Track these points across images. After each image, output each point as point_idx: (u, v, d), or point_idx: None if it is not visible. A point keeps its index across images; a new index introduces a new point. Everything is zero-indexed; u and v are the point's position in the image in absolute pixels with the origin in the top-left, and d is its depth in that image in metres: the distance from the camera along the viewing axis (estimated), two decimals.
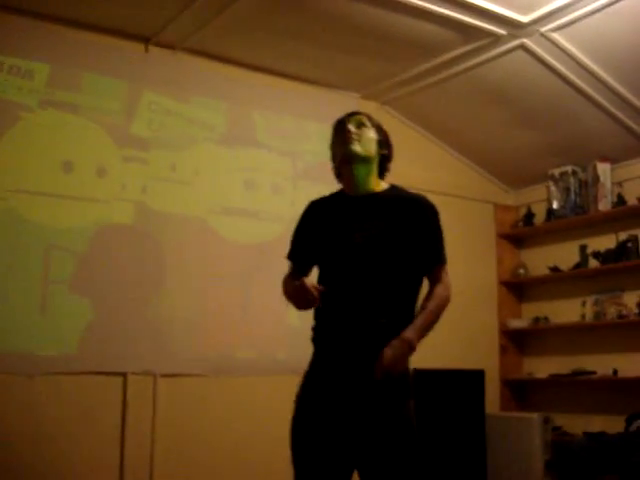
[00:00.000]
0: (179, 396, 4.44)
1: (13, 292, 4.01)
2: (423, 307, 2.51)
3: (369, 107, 5.44)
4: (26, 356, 4.03)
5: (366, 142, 2.60)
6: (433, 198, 5.76)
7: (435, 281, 2.57)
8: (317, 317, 2.59)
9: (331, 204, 2.69)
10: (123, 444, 4.25)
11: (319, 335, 2.58)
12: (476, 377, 5.53)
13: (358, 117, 2.65)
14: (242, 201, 4.81)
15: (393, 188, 2.66)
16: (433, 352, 5.49)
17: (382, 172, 2.69)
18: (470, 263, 5.95)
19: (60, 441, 4.07)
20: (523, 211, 6.15)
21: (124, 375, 4.30)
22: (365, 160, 2.59)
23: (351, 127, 2.61)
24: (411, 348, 2.42)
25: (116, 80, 4.46)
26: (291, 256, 2.73)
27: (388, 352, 2.37)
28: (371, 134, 2.62)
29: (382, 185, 2.65)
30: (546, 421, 5.30)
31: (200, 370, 4.52)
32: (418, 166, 5.72)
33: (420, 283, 2.59)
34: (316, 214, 2.71)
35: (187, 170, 4.64)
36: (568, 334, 5.73)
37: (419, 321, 2.47)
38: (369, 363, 2.39)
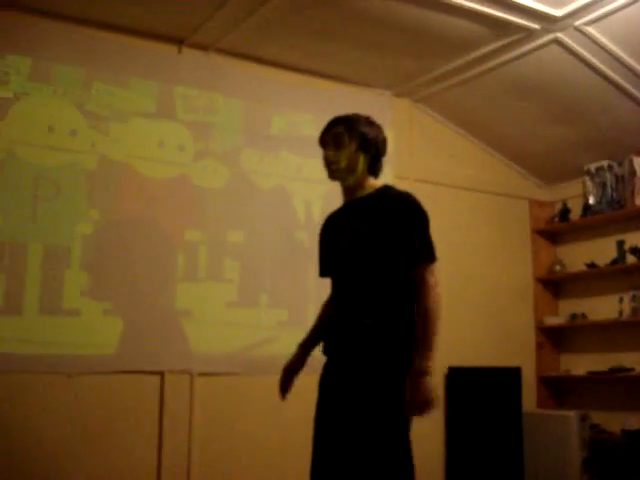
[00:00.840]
0: (216, 394, 4.48)
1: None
2: (417, 318, 2.47)
3: (402, 105, 5.45)
4: (64, 356, 4.10)
5: (345, 161, 2.62)
6: (467, 195, 5.88)
7: (419, 283, 2.49)
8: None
9: (335, 214, 2.79)
10: (161, 442, 4.29)
11: (323, 335, 2.72)
12: (512, 375, 5.50)
13: (334, 130, 2.66)
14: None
15: (384, 188, 2.66)
16: (469, 350, 5.51)
17: (375, 171, 2.68)
18: (506, 260, 5.92)
19: (98, 440, 4.13)
20: (559, 207, 6.10)
21: (161, 374, 4.35)
22: (349, 175, 2.64)
23: (328, 152, 2.65)
24: (428, 373, 2.41)
25: (148, 81, 4.53)
26: (320, 273, 2.82)
27: (413, 394, 2.38)
28: (349, 149, 2.62)
29: (375, 186, 2.66)
30: (583, 419, 5.25)
31: (236, 368, 4.55)
32: (451, 163, 5.71)
33: (408, 283, 2.52)
34: (325, 226, 2.83)
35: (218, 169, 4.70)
36: (605, 331, 5.67)
37: (422, 343, 2.43)
38: (355, 363, 2.47)
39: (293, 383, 2.81)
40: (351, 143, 2.62)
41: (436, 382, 2.44)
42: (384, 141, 2.71)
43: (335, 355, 2.59)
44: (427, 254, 2.51)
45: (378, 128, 2.70)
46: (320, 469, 2.53)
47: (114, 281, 4.29)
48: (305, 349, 2.83)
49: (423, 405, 2.38)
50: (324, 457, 2.53)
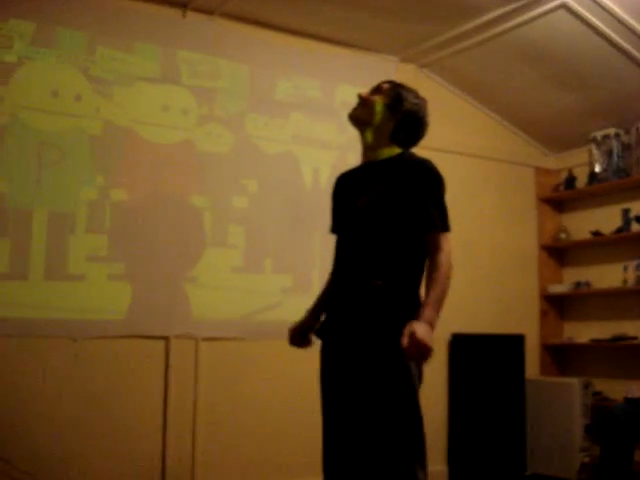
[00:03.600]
0: (221, 359, 4.52)
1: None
2: (430, 280, 2.44)
3: (408, 70, 5.41)
4: (70, 320, 4.12)
5: (369, 107, 2.61)
6: (472, 162, 5.86)
7: (434, 250, 2.47)
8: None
9: (350, 174, 2.76)
10: (166, 406, 4.34)
11: (328, 297, 2.70)
12: (516, 342, 5.52)
13: (381, 84, 2.68)
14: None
15: (403, 154, 2.64)
16: (473, 317, 5.53)
17: (398, 139, 2.65)
18: (510, 228, 5.91)
19: (103, 403, 4.17)
20: (564, 175, 6.07)
21: (166, 339, 4.38)
22: (366, 124, 2.63)
23: (364, 93, 2.65)
24: (431, 325, 2.35)
25: (152, 46, 4.51)
26: (331, 229, 2.82)
27: (414, 328, 2.28)
28: (379, 99, 2.62)
29: (394, 151, 2.64)
30: (586, 386, 5.28)
31: (241, 334, 4.58)
32: (458, 130, 5.68)
33: (420, 250, 2.51)
34: (339, 185, 2.81)
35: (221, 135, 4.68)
36: (609, 299, 5.67)
37: (431, 299, 2.39)
38: (365, 324, 2.46)
39: (305, 340, 2.78)
40: (386, 96, 2.62)
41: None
42: (420, 118, 2.67)
43: (341, 315, 2.56)
44: (444, 222, 2.52)
45: (421, 103, 2.68)
46: (334, 439, 2.53)
47: (121, 246, 4.30)
48: (315, 310, 2.79)
49: (423, 349, 2.27)
50: (337, 427, 2.52)
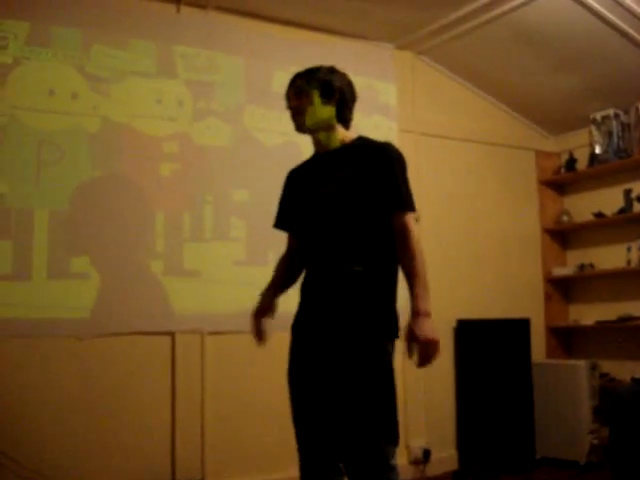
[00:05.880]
0: (226, 352, 4.53)
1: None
2: (409, 270, 2.43)
3: (404, 57, 5.40)
4: (75, 319, 4.13)
5: (308, 110, 2.59)
6: (472, 147, 5.85)
7: (401, 230, 2.46)
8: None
9: (304, 167, 2.77)
10: (174, 401, 4.35)
11: (302, 288, 2.67)
12: (521, 326, 5.52)
13: (297, 82, 2.64)
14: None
15: (359, 139, 2.63)
16: (478, 302, 5.53)
17: (344, 120, 2.64)
18: (512, 211, 5.91)
19: (111, 401, 4.18)
20: (565, 157, 6.06)
21: (172, 334, 4.39)
22: (315, 126, 2.61)
23: (291, 102, 2.63)
24: (429, 316, 2.38)
25: (147, 42, 4.49)
26: (275, 224, 2.86)
27: (419, 333, 2.33)
28: (310, 97, 2.59)
29: (348, 136, 2.63)
30: (593, 368, 5.28)
31: (246, 327, 4.56)
32: (457, 116, 5.67)
33: (391, 231, 2.50)
34: (292, 179, 2.81)
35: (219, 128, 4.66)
36: (614, 280, 5.67)
37: (418, 289, 2.39)
38: (348, 310, 2.45)
39: (264, 328, 2.82)
40: (312, 92, 2.59)
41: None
42: (349, 85, 2.66)
43: (320, 303, 2.53)
44: (410, 202, 2.51)
45: (341, 75, 2.66)
46: (308, 422, 2.55)
47: (111, 246, 4.31)
48: (270, 294, 2.84)
49: (434, 346, 2.34)
50: (312, 410, 2.53)
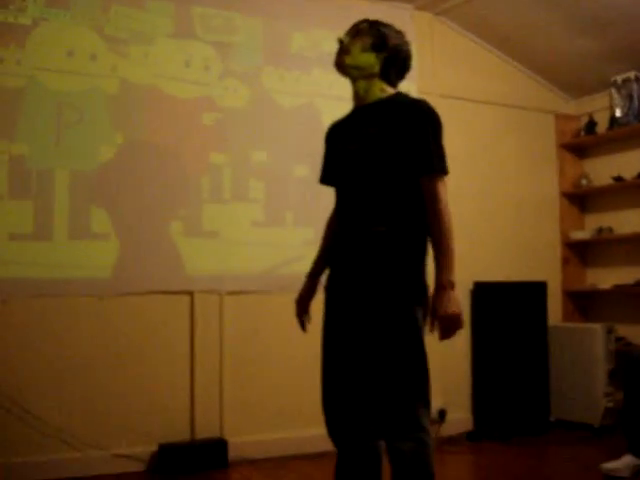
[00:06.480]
0: (244, 312, 4.59)
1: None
2: (435, 239, 2.39)
3: (423, 18, 5.35)
4: (95, 279, 4.19)
5: (353, 51, 2.55)
6: (492, 110, 5.81)
7: (430, 195, 2.39)
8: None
9: (343, 121, 2.70)
10: (193, 360, 4.42)
11: (331, 249, 2.65)
12: (538, 289, 5.53)
13: (359, 25, 2.60)
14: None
15: (397, 95, 2.57)
16: (495, 265, 5.54)
17: (389, 79, 2.59)
18: (531, 175, 5.89)
19: (131, 360, 4.26)
20: (585, 120, 6.00)
21: (191, 294, 4.44)
22: (355, 69, 2.56)
23: (345, 37, 2.58)
24: (453, 287, 2.35)
25: (165, 2, 4.49)
26: (321, 180, 2.79)
27: (441, 308, 2.32)
28: (362, 41, 2.55)
29: (387, 92, 2.57)
30: (609, 331, 5.28)
31: (264, 287, 4.63)
32: (475, 77, 5.63)
33: (419, 192, 2.43)
34: (331, 134, 2.74)
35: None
36: (632, 244, 5.64)
37: (443, 258, 2.37)
38: (369, 272, 2.42)
39: (309, 313, 2.79)
40: (367, 37, 2.55)
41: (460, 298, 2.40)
42: (406, 53, 2.62)
43: (345, 265, 2.52)
44: (441, 165, 2.42)
45: (402, 37, 2.62)
46: (337, 383, 2.53)
47: (131, 207, 4.36)
48: (314, 277, 2.80)
49: (455, 320, 2.32)
50: (341, 370, 2.52)
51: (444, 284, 2.35)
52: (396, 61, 2.58)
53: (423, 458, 2.37)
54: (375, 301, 2.40)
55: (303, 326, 2.79)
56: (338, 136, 2.67)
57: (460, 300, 2.36)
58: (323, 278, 2.74)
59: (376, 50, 2.55)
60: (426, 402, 2.41)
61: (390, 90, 2.58)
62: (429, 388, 2.42)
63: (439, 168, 2.41)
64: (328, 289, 2.62)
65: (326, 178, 2.76)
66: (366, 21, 2.62)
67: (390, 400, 2.37)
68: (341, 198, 2.61)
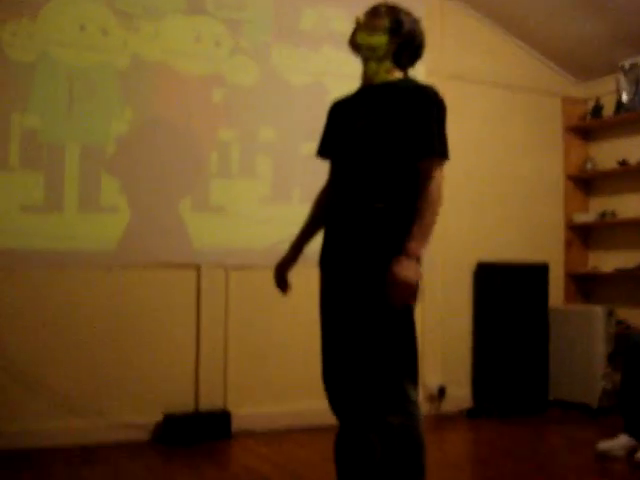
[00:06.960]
0: (250, 287, 4.65)
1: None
2: (418, 209, 2.38)
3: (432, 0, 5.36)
4: (104, 251, 4.25)
5: (368, 32, 2.59)
6: (499, 92, 5.83)
7: (425, 175, 2.41)
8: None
9: (348, 99, 2.73)
10: (199, 332, 4.49)
11: (325, 223, 2.67)
12: (540, 271, 5.56)
13: (378, 7, 2.64)
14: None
15: (404, 79, 2.62)
16: (498, 246, 5.58)
17: (400, 63, 2.63)
18: (537, 157, 5.91)
19: (139, 330, 4.34)
20: (591, 104, 6.02)
21: (198, 268, 4.51)
22: (368, 50, 2.60)
23: (362, 16, 2.62)
24: (418, 259, 2.34)
25: None
26: (317, 152, 2.81)
27: (398, 270, 2.29)
28: (378, 23, 2.59)
29: (395, 76, 2.62)
30: (610, 314, 5.32)
31: (270, 262, 4.66)
32: (484, 59, 5.64)
33: (418, 172, 2.45)
34: (334, 110, 2.78)
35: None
36: (635, 228, 5.67)
37: (418, 229, 2.35)
38: (364, 247, 2.44)
39: (287, 279, 2.86)
40: (384, 19, 2.59)
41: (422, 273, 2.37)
42: (420, 39, 2.65)
43: (341, 239, 2.54)
44: (441, 149, 2.45)
45: (418, 24, 2.66)
46: (332, 358, 2.59)
47: (140, 181, 4.41)
48: (296, 249, 2.85)
49: (407, 288, 2.29)
50: (335, 345, 2.58)
51: (410, 252, 2.32)
52: (409, 47, 2.63)
53: (411, 431, 2.43)
54: (368, 275, 2.43)
55: (282, 290, 2.89)
56: (342, 112, 2.70)
57: (421, 274, 2.33)
58: (306, 250, 2.82)
59: (391, 34, 2.58)
60: (413, 376, 2.46)
61: (399, 74, 2.63)
62: (417, 362, 2.47)
63: (439, 151, 2.44)
64: (322, 263, 2.65)
65: (323, 151, 2.79)
66: (385, 5, 2.65)
67: (377, 374, 2.43)
68: (339, 173, 2.64)
